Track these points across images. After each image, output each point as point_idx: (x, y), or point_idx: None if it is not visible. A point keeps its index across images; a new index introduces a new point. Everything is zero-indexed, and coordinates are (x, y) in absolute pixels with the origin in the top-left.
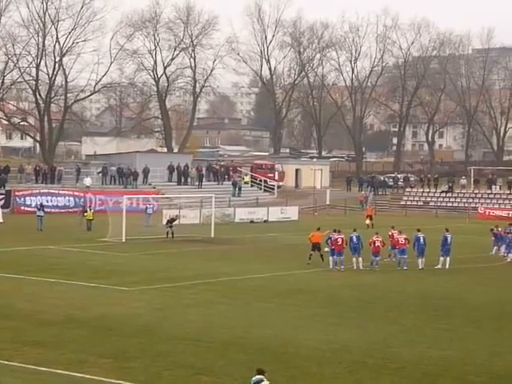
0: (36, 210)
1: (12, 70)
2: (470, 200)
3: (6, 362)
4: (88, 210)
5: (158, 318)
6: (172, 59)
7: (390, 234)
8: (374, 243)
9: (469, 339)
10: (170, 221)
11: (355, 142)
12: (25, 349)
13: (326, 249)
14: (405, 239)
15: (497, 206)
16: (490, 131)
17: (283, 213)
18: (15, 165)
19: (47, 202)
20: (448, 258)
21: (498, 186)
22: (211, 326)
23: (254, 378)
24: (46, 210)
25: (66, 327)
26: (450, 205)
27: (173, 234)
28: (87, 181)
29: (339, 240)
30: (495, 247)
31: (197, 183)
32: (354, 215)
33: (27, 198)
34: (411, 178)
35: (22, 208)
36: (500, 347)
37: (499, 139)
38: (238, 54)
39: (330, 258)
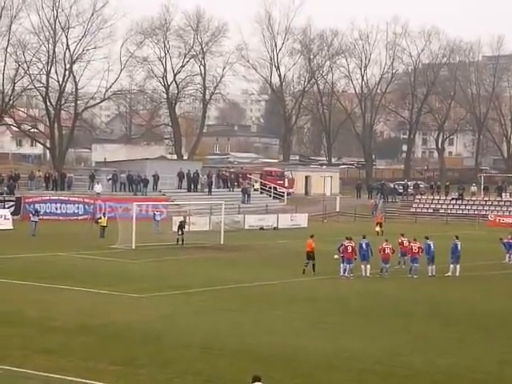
0: (31, 215)
1: (22, 77)
2: (480, 207)
3: (16, 369)
4: (102, 216)
5: (167, 325)
6: (182, 66)
7: (400, 241)
8: (384, 250)
9: (478, 347)
10: (181, 226)
11: (365, 149)
12: (35, 356)
13: (336, 256)
14: (418, 248)
15: (507, 214)
16: (500, 138)
17: (293, 220)
18: (25, 171)
19: (56, 209)
20: (458, 266)
21: (508, 194)
22: (221, 334)
23: None
24: (55, 217)
25: (76, 334)
26: (460, 212)
27: (183, 240)
28: (98, 188)
29: (349, 248)
30: (507, 255)
31: (206, 190)
32: (363, 222)
33: (37, 205)
34: (421, 185)
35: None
36: (509, 355)
37: (509, 146)
38: (248, 61)
39: (341, 265)
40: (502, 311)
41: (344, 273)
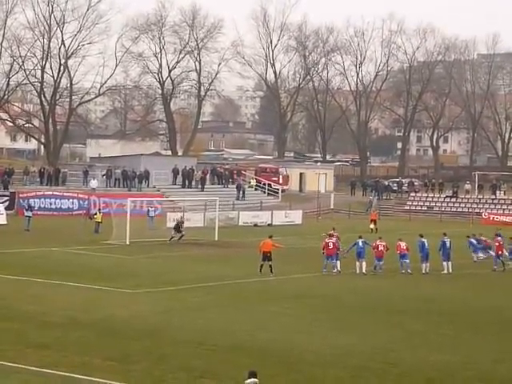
0: (24, 210)
1: (17, 72)
2: (475, 205)
3: (9, 364)
4: (97, 212)
5: (161, 320)
6: (177, 62)
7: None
8: (378, 247)
9: (472, 344)
10: (177, 227)
11: (360, 146)
12: (28, 350)
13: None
14: (405, 245)
15: (501, 212)
16: (494, 136)
17: (287, 217)
18: (19, 167)
19: (50, 204)
20: (450, 263)
21: (502, 192)
22: (215, 330)
23: (247, 382)
24: (49, 212)
25: (70, 329)
26: (455, 210)
27: (180, 238)
28: (93, 183)
29: (330, 244)
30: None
31: (201, 186)
32: (357, 219)
33: (31, 200)
34: (415, 183)
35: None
36: (503, 353)
37: (504, 144)
38: (243, 58)
39: (330, 262)
40: (496, 309)
41: (325, 268)
